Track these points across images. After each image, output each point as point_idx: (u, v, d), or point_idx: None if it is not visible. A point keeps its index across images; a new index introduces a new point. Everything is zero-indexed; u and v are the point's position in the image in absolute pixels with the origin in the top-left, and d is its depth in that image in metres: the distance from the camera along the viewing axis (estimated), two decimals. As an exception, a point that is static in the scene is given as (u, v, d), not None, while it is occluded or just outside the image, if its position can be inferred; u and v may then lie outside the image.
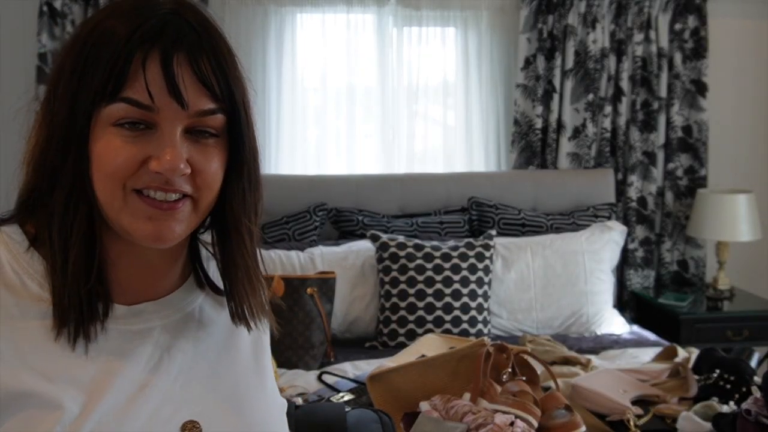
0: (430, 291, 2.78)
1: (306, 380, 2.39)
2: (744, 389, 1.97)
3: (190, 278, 0.91)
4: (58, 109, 0.77)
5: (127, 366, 0.80)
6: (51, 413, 0.74)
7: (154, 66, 0.75)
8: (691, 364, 2.18)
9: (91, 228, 0.79)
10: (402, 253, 2.82)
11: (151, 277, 0.86)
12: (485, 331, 2.81)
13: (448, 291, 2.79)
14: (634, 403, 2.03)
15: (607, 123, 3.37)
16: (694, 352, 2.31)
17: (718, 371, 2.05)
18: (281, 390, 1.25)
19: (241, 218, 0.85)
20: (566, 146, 3.35)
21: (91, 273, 0.79)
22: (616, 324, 3.01)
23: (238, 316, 0.89)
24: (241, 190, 0.83)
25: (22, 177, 0.81)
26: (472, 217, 3.18)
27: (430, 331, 2.70)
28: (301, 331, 2.58)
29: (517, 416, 1.66)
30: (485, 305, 2.84)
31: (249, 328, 0.90)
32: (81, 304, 0.78)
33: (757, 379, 1.97)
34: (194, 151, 0.78)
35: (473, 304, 2.80)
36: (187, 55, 0.76)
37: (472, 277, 2.82)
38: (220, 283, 0.92)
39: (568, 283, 2.98)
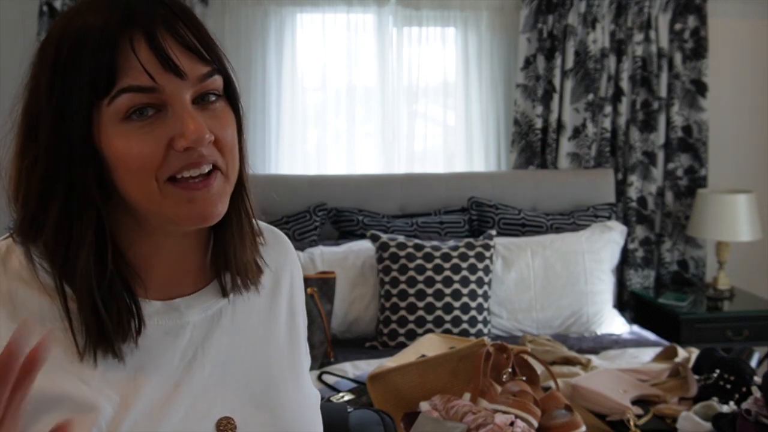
0: (430, 291, 2.78)
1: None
2: (744, 389, 1.97)
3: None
4: (44, 124, 0.76)
5: (162, 363, 0.80)
6: (86, 415, 0.74)
7: (142, 47, 0.74)
8: (691, 364, 2.18)
9: (99, 239, 0.77)
10: (402, 253, 2.82)
11: (184, 271, 0.86)
12: (485, 331, 2.81)
13: (448, 291, 2.79)
14: (634, 403, 2.03)
15: (607, 123, 3.37)
16: (694, 352, 2.31)
17: (718, 371, 2.05)
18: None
19: (245, 177, 0.87)
20: (566, 146, 3.35)
21: (115, 285, 0.78)
22: (616, 324, 3.01)
23: (238, 284, 0.89)
24: (244, 147, 0.85)
25: (18, 205, 0.79)
26: (472, 217, 3.18)
27: (430, 331, 2.70)
28: (301, 331, 2.58)
29: (517, 416, 1.66)
30: (485, 305, 2.84)
31: (245, 289, 0.90)
32: (112, 323, 0.77)
33: (757, 379, 1.97)
34: (206, 118, 0.78)
35: (473, 304, 2.80)
36: (166, 28, 0.76)
37: (472, 277, 2.82)
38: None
39: (568, 283, 2.98)
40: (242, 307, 0.90)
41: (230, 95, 0.82)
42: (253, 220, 0.90)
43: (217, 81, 0.79)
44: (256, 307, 0.92)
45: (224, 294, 0.89)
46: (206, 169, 0.78)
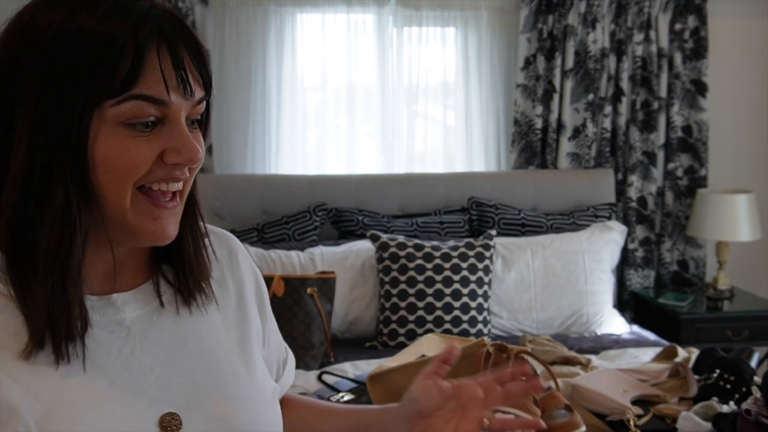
0: (430, 291, 2.78)
1: (306, 380, 2.39)
2: (744, 389, 1.97)
3: (164, 267, 0.89)
4: (36, 122, 0.73)
5: (96, 360, 0.78)
6: (12, 414, 0.72)
7: (166, 61, 0.75)
8: (691, 364, 2.18)
9: (82, 236, 0.76)
10: (402, 253, 2.82)
11: (123, 267, 0.84)
12: (485, 331, 2.81)
13: (448, 291, 2.79)
14: (634, 403, 2.03)
15: (607, 123, 3.37)
16: (694, 352, 2.31)
17: (718, 371, 2.05)
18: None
19: (196, 192, 0.87)
20: (566, 146, 3.35)
21: (73, 284, 0.76)
22: (616, 324, 3.01)
23: (190, 296, 0.88)
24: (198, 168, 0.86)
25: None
26: (472, 217, 3.18)
27: (430, 331, 2.70)
28: (301, 331, 2.58)
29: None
30: (485, 305, 2.84)
31: (194, 304, 0.88)
32: (60, 323, 0.75)
33: (757, 379, 1.97)
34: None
35: (473, 304, 2.80)
36: (185, 47, 0.77)
37: (472, 277, 2.82)
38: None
39: (568, 283, 2.98)
40: (184, 299, 0.88)
41: (203, 119, 0.84)
42: (201, 223, 0.89)
43: (203, 105, 0.81)
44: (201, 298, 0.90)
45: (168, 283, 0.87)
46: (175, 187, 0.79)
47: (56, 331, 0.75)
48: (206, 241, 0.90)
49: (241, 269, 0.97)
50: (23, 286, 0.75)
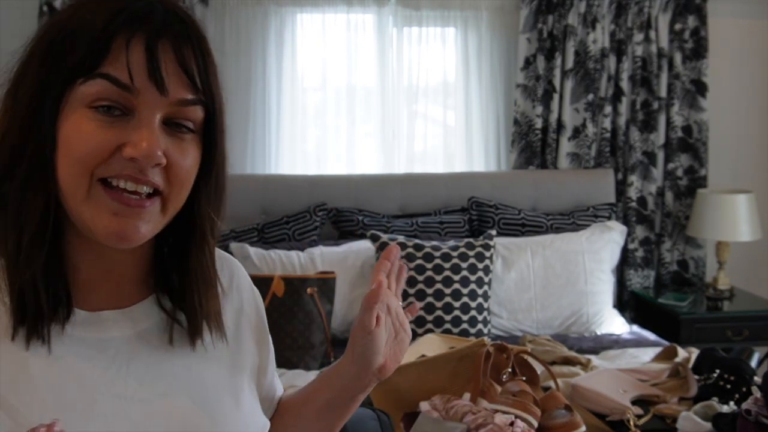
0: (430, 291, 2.78)
1: (306, 380, 2.39)
2: (744, 389, 1.97)
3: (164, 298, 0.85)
4: (23, 92, 0.74)
5: (79, 378, 0.75)
6: None
7: (137, 48, 0.73)
8: (691, 364, 2.18)
9: (46, 219, 0.74)
10: (402, 253, 2.82)
11: (115, 282, 0.81)
12: (485, 331, 2.81)
13: (448, 291, 2.79)
14: (634, 403, 2.03)
15: (607, 123, 3.37)
16: (694, 352, 2.31)
17: (718, 371, 2.05)
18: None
19: (206, 222, 0.82)
20: (566, 146, 3.35)
21: (50, 268, 0.74)
22: (616, 324, 3.01)
23: (194, 328, 0.84)
24: (208, 192, 0.81)
25: None
26: (472, 217, 3.18)
27: (430, 331, 2.70)
28: (301, 331, 2.58)
29: (517, 416, 1.66)
30: (485, 305, 2.84)
31: (199, 339, 0.84)
32: (39, 302, 0.73)
33: (757, 379, 1.97)
34: (170, 143, 0.75)
35: (473, 304, 2.80)
36: (171, 43, 0.75)
37: (472, 277, 2.82)
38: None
39: (568, 283, 2.98)
40: (179, 326, 0.84)
41: (209, 132, 0.79)
42: (209, 257, 0.85)
43: (196, 112, 0.77)
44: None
45: (163, 310, 0.84)
46: (144, 189, 0.74)
47: (24, 308, 0.73)
48: (215, 277, 0.86)
49: (242, 297, 0.94)
50: (12, 268, 0.74)
